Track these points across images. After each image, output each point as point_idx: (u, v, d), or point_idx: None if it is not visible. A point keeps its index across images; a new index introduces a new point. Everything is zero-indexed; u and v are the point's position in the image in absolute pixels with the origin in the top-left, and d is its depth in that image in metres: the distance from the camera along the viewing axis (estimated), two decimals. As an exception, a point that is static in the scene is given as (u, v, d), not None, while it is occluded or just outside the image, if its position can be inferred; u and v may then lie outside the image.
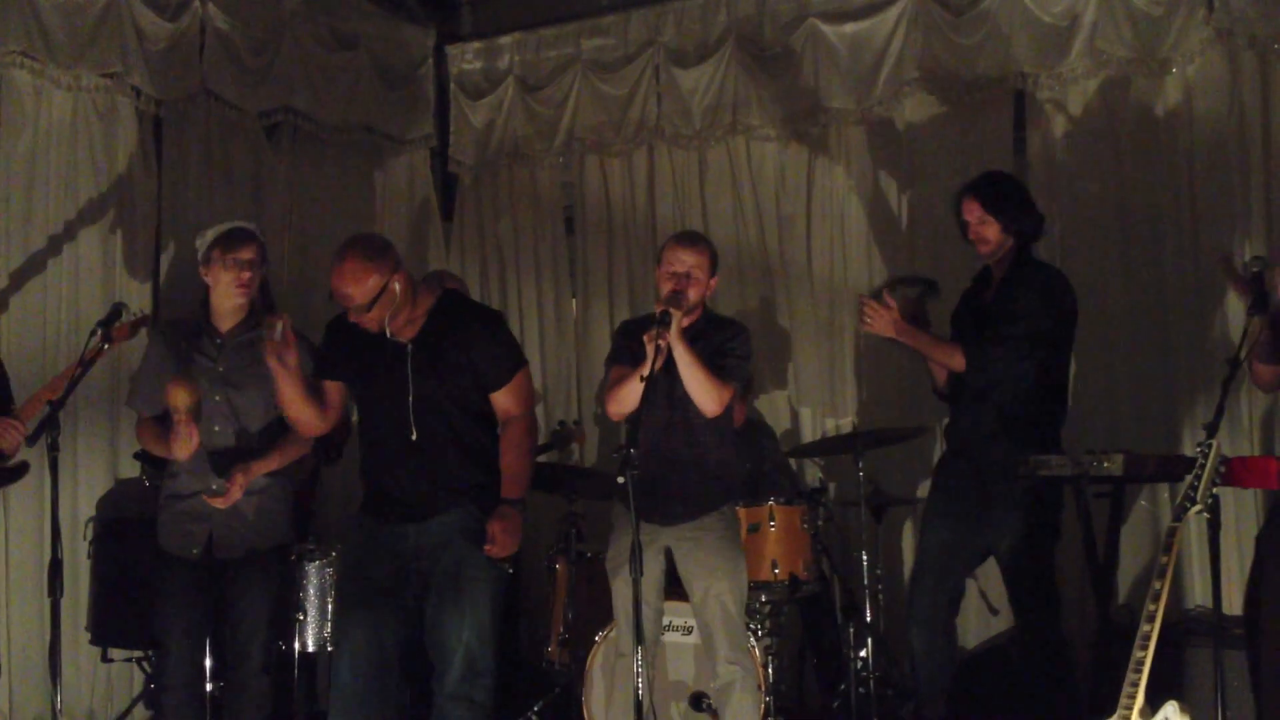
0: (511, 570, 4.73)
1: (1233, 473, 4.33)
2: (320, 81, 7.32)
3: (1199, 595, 5.91)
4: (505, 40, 8.00)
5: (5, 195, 5.96)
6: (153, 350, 5.09)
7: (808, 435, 7.01)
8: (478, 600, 4.62)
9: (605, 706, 5.33)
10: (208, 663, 4.91)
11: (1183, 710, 4.03)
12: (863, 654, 5.87)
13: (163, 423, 4.91)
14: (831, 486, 6.79)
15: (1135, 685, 4.01)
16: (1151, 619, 4.05)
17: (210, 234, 4.92)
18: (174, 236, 6.51)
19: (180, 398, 4.71)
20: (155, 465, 5.42)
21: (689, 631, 5.35)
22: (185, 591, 4.88)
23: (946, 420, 5.48)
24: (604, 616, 5.29)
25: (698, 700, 5.38)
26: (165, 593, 4.92)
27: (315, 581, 5.59)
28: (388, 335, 4.64)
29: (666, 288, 4.80)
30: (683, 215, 7.40)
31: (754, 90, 7.18)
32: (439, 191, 8.19)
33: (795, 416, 7.12)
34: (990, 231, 5.23)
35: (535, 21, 7.94)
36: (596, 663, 5.55)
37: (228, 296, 4.95)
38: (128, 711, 6.04)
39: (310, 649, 5.59)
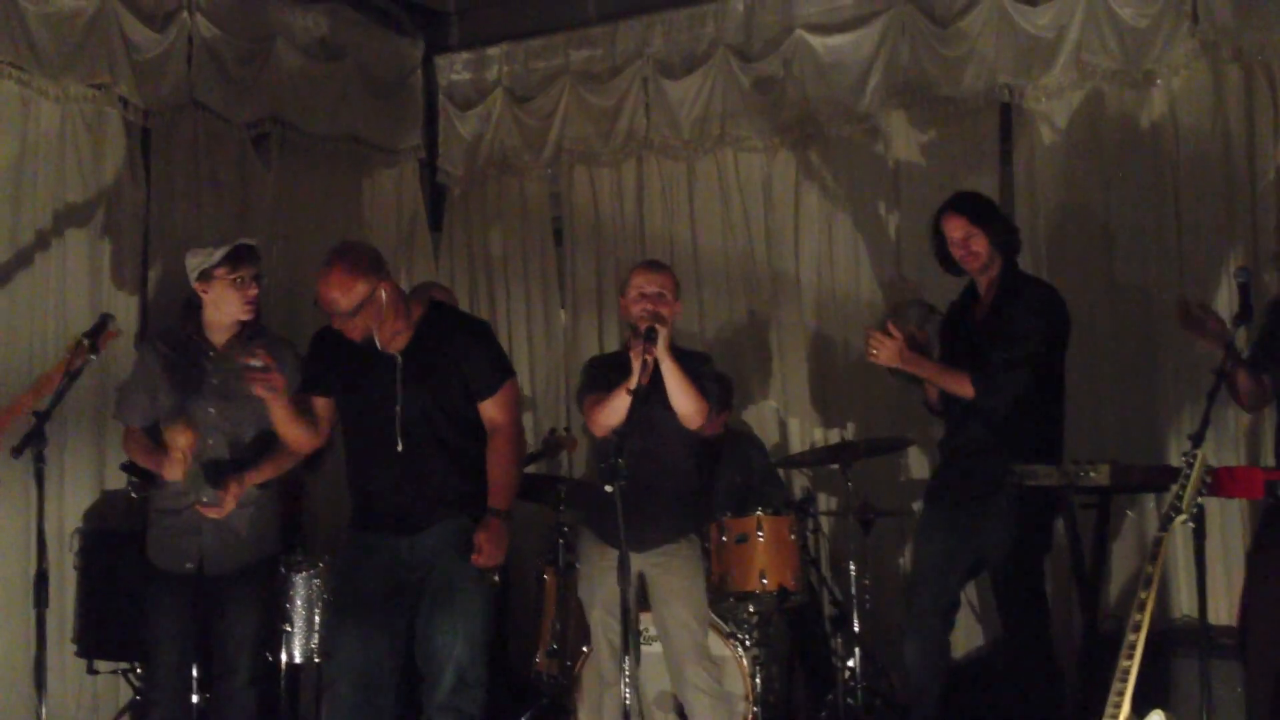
0: (497, 580, 4.74)
1: (1218, 483, 4.34)
2: (308, 92, 7.31)
3: (1185, 605, 5.92)
4: (494, 51, 8.01)
5: (-8, 206, 5.95)
6: (142, 361, 5.09)
7: (796, 446, 7.01)
8: (469, 612, 4.63)
9: (595, 717, 5.32)
10: (195, 675, 4.90)
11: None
12: (850, 664, 5.88)
13: (151, 434, 4.91)
14: (820, 497, 6.80)
15: (1121, 695, 4.02)
16: (1137, 628, 4.06)
17: (217, 253, 4.90)
18: (162, 247, 6.49)
19: (180, 440, 4.73)
20: (142, 477, 5.40)
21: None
22: (174, 605, 4.87)
23: (942, 434, 5.47)
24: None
25: (683, 709, 5.38)
26: (154, 606, 4.92)
27: (303, 593, 5.57)
28: (377, 347, 4.65)
29: (639, 308, 4.87)
30: (671, 227, 7.41)
31: (742, 102, 7.19)
32: (427, 202, 8.18)
33: (783, 427, 7.13)
34: (979, 245, 5.23)
35: (523, 32, 7.94)
36: (584, 674, 5.55)
37: (232, 313, 4.94)
38: (114, 723, 6.03)
39: (297, 660, 5.58)
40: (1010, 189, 6.56)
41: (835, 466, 6.13)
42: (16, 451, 4.63)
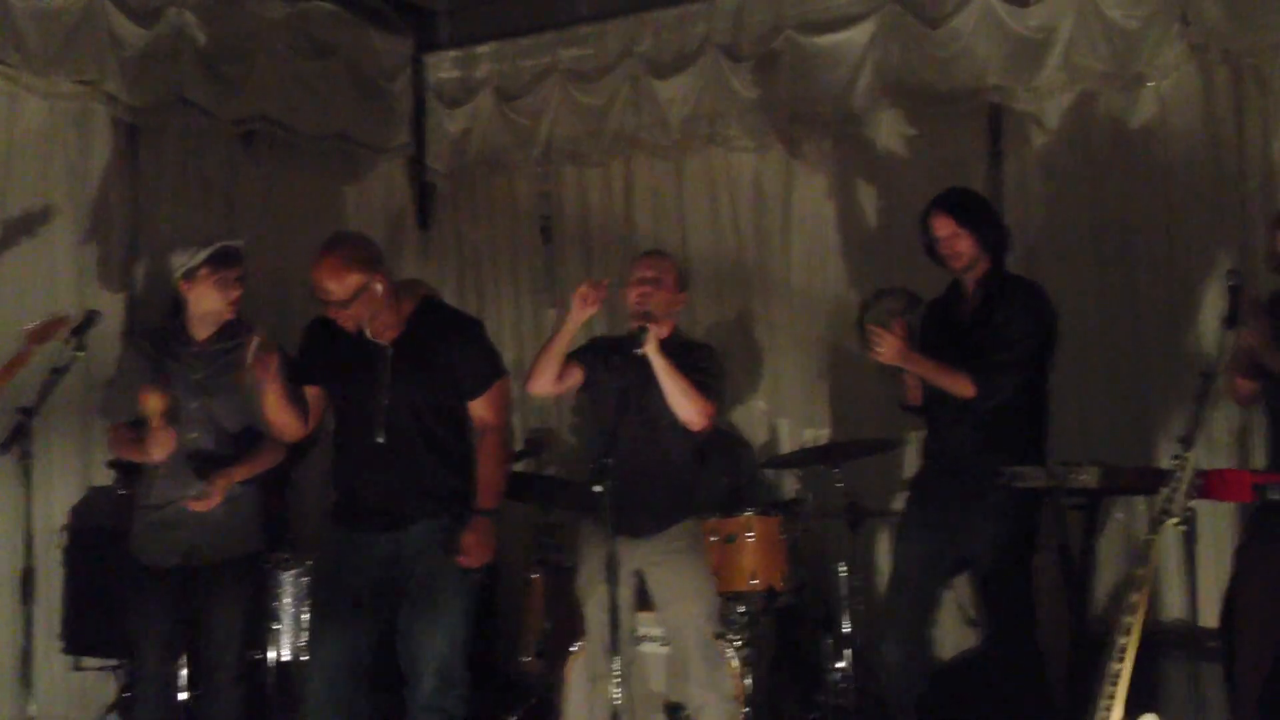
0: (483, 579, 4.73)
1: (1208, 485, 4.34)
2: (296, 90, 7.30)
3: (1175, 608, 5.92)
4: (483, 49, 8.00)
5: (-21, 202, 5.93)
6: (126, 358, 5.07)
7: (785, 446, 7.01)
8: (452, 611, 4.62)
9: (583, 717, 5.31)
10: (182, 672, 4.89)
11: (1159, 722, 4.04)
12: (839, 665, 5.87)
13: (135, 428, 4.90)
14: (810, 498, 6.79)
15: (1111, 697, 4.01)
16: (1128, 631, 4.05)
17: (202, 254, 4.88)
18: (148, 244, 6.48)
19: (153, 404, 4.71)
20: (128, 473, 5.39)
21: (664, 642, 5.33)
22: (159, 601, 4.85)
23: (925, 434, 5.46)
24: (580, 627, 5.27)
25: (674, 711, 5.37)
26: (139, 602, 4.89)
27: (291, 590, 5.57)
28: (368, 336, 4.64)
29: (634, 293, 4.85)
30: (660, 226, 7.40)
31: (731, 101, 7.18)
32: (415, 200, 8.18)
33: (773, 427, 7.12)
34: (964, 245, 5.22)
35: (513, 31, 7.93)
36: (572, 674, 5.53)
37: (215, 312, 4.92)
38: (100, 721, 6.01)
39: (285, 658, 5.57)
40: (1000, 190, 6.56)
41: (825, 467, 6.12)
42: (2, 448, 4.62)
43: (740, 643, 5.57)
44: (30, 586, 4.65)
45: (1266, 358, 4.54)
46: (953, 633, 6.37)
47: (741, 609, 5.71)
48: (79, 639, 5.83)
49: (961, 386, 5.06)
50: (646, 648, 5.41)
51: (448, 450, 4.75)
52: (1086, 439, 6.08)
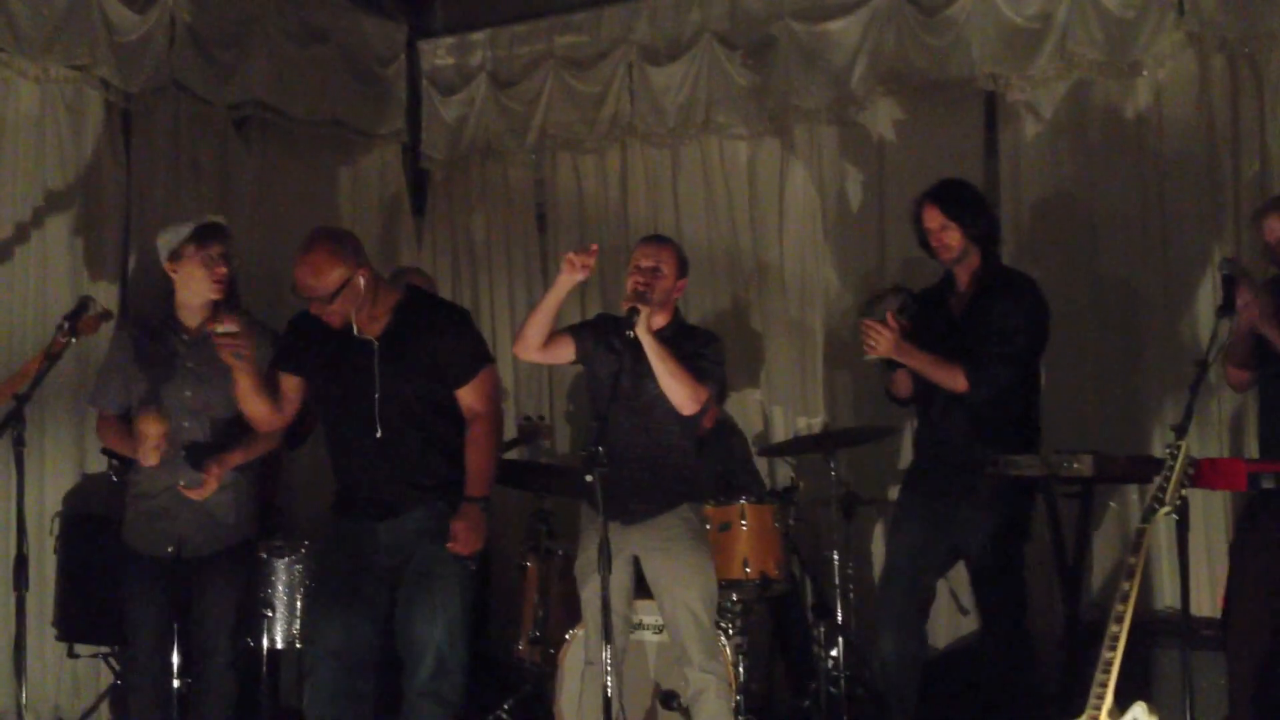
0: (474, 567, 4.72)
1: (1201, 474, 4.34)
2: (290, 75, 7.27)
3: (1168, 596, 5.94)
4: (477, 36, 7.98)
5: (-29, 188, 5.92)
6: (117, 346, 5.05)
7: (779, 435, 7.01)
8: (448, 598, 4.63)
9: (576, 705, 5.31)
10: (175, 659, 4.89)
11: (1151, 711, 4.04)
12: (833, 653, 5.88)
13: (125, 420, 4.89)
14: (803, 486, 6.79)
15: (1104, 686, 4.02)
16: (1120, 620, 4.06)
17: (184, 230, 4.87)
18: (142, 230, 6.46)
19: (153, 430, 4.70)
20: (123, 460, 5.38)
21: (659, 630, 5.33)
22: (152, 588, 4.85)
23: (916, 424, 5.46)
24: (575, 614, 5.28)
25: (668, 699, 5.37)
26: (132, 590, 4.89)
27: (284, 578, 5.55)
28: (354, 332, 4.63)
29: (632, 281, 4.81)
30: (655, 214, 7.40)
31: (727, 89, 7.17)
32: (410, 187, 8.16)
33: (766, 416, 7.13)
34: (952, 238, 5.21)
35: (508, 17, 7.91)
36: (567, 661, 5.54)
37: (201, 292, 4.89)
38: (94, 708, 6.00)
39: (279, 646, 5.56)
40: (995, 178, 6.57)
41: (819, 455, 6.12)
42: (-5, 433, 4.62)
43: (733, 631, 5.57)
44: (23, 573, 4.63)
45: (1266, 330, 4.54)
46: (946, 622, 6.39)
47: (735, 597, 5.71)
48: (72, 626, 5.82)
49: (955, 380, 5.06)
50: (643, 635, 5.41)
51: (440, 439, 4.75)
52: (1080, 427, 6.09)
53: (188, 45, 6.68)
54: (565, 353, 4.97)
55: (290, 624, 5.53)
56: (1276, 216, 4.73)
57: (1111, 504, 6.14)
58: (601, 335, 4.94)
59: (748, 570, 5.67)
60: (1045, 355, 5.35)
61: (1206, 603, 5.44)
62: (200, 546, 4.87)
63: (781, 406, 7.09)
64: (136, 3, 6.44)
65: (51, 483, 6.06)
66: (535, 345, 4.85)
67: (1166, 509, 4.17)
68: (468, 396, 4.75)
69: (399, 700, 4.72)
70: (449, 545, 4.57)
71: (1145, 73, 6.27)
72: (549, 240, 7.83)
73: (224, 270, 4.89)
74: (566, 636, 5.57)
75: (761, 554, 5.72)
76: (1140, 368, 6.22)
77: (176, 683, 4.90)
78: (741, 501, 5.74)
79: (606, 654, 4.39)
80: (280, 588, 5.54)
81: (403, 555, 4.68)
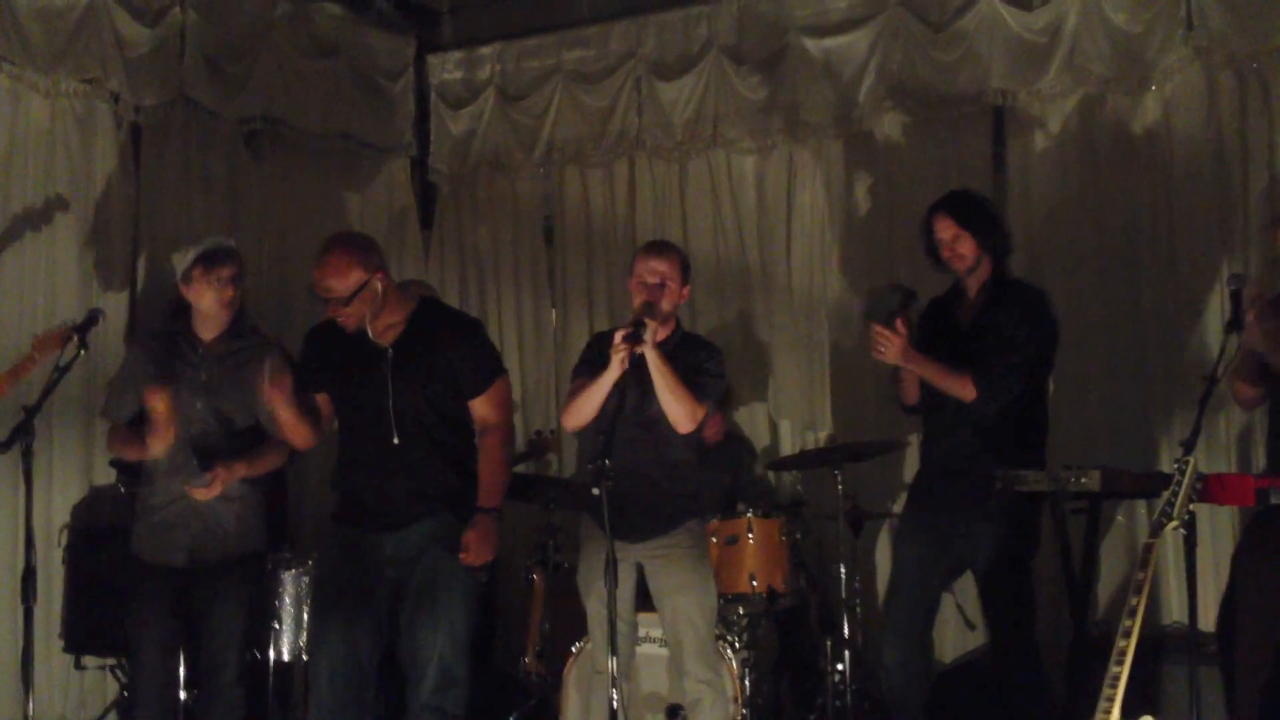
0: (486, 579, 4.72)
1: (1209, 489, 4.34)
2: (300, 89, 7.30)
3: (1175, 611, 5.93)
4: (486, 50, 8.00)
5: (-19, 200, 5.93)
6: (130, 359, 5.08)
7: (786, 448, 7.01)
8: (453, 610, 4.62)
9: (581, 718, 5.31)
10: (181, 672, 4.89)
11: (1158, 726, 4.04)
12: (839, 667, 5.87)
13: (134, 426, 4.90)
14: (810, 500, 6.79)
15: (1111, 700, 4.01)
16: (1128, 634, 4.05)
17: (191, 253, 4.89)
18: (151, 244, 6.49)
19: (159, 403, 4.71)
20: (131, 473, 5.39)
21: (664, 643, 5.33)
22: (159, 600, 4.85)
23: (922, 437, 5.45)
24: (580, 628, 5.27)
25: (674, 711, 5.36)
26: (139, 601, 4.89)
27: (291, 590, 5.57)
28: (369, 337, 4.64)
29: (639, 299, 4.76)
30: (663, 227, 7.39)
31: (734, 103, 7.19)
32: (418, 200, 8.18)
33: (774, 429, 7.12)
34: (966, 247, 5.20)
35: (516, 32, 7.93)
36: (572, 674, 5.53)
37: (211, 313, 4.93)
38: (100, 719, 6.00)
39: (285, 658, 5.57)
40: (1003, 193, 6.57)
41: (826, 469, 6.11)
42: (5, 446, 4.62)
43: (740, 644, 5.56)
44: (31, 585, 4.64)
45: (1269, 353, 4.53)
46: (953, 636, 6.38)
47: (741, 611, 5.71)
48: (79, 637, 5.84)
49: (963, 388, 5.05)
50: (647, 648, 5.39)
51: (450, 450, 4.75)
52: (1088, 442, 6.08)
53: (197, 59, 6.70)
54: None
55: (297, 636, 5.54)
56: None
57: (1119, 519, 6.12)
58: (601, 356, 4.86)
59: (754, 584, 5.67)
60: (1053, 369, 5.34)
61: (1214, 618, 5.42)
62: (209, 558, 4.87)
63: (789, 420, 7.09)
64: (146, 16, 6.46)
65: (60, 494, 6.06)
66: (587, 420, 4.81)
67: (1174, 524, 4.16)
68: (481, 407, 4.76)
69: (404, 713, 4.71)
70: (461, 556, 4.57)
71: (1154, 87, 6.27)
72: (556, 254, 7.84)
73: (231, 293, 4.91)
74: (572, 650, 5.56)
75: (768, 568, 5.72)
76: (1148, 383, 6.22)
77: (183, 694, 4.91)
78: (748, 515, 5.74)
79: (613, 665, 4.39)
80: (287, 600, 5.55)
81: (408, 567, 4.68)
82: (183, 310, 5.04)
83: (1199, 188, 6.14)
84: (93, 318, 4.97)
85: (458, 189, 8.15)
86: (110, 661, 5.94)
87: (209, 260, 4.88)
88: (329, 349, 4.77)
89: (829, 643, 5.94)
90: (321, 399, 4.88)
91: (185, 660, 4.92)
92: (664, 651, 5.35)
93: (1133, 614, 4.07)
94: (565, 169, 7.77)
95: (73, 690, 6.09)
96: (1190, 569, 4.35)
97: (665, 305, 4.76)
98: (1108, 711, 4.01)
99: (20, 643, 4.74)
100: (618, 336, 4.53)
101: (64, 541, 5.91)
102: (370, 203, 7.90)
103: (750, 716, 5.51)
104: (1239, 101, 6.07)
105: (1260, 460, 5.60)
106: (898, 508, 6.43)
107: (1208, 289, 6.06)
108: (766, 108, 7.12)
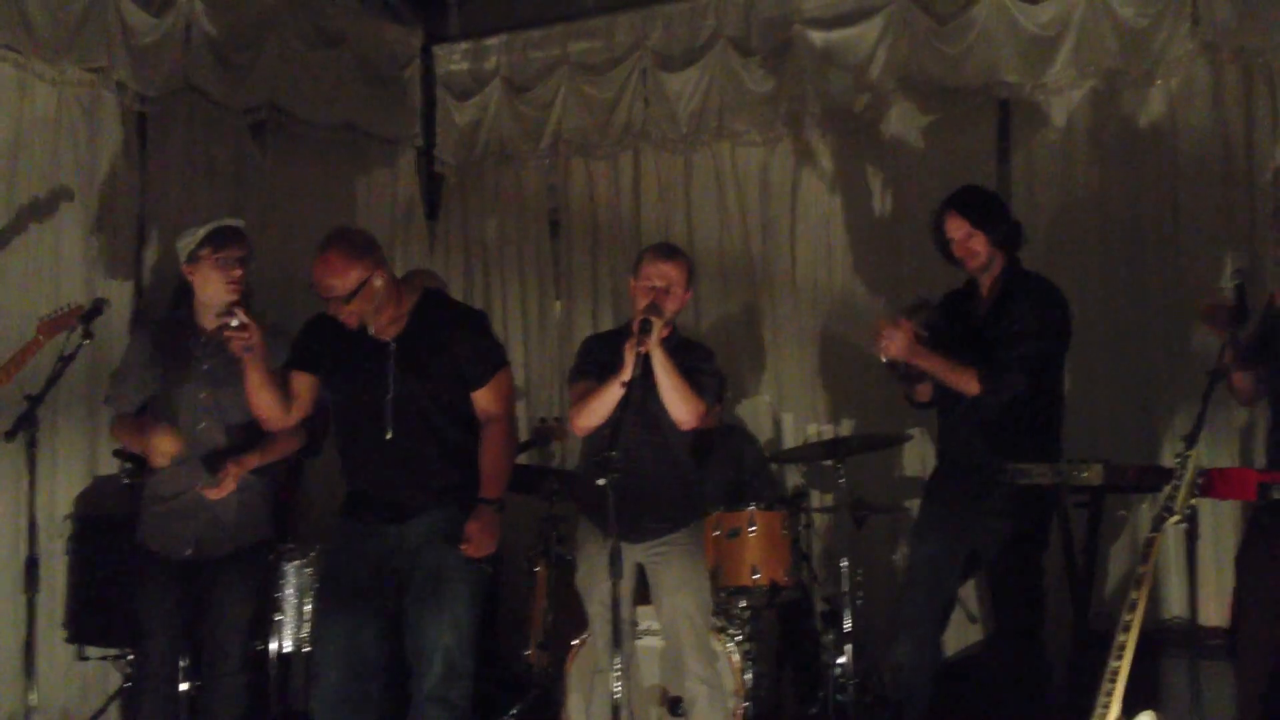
0: (490, 571, 4.73)
1: (1211, 484, 4.33)
2: (305, 80, 7.30)
3: (1176, 605, 5.91)
4: (492, 41, 8.00)
5: (-12, 188, 5.94)
6: (134, 347, 5.07)
7: (790, 441, 7.01)
8: (457, 602, 4.62)
9: (584, 711, 5.32)
10: (185, 662, 4.90)
11: (1158, 720, 4.04)
12: (841, 661, 5.87)
13: (140, 417, 4.90)
14: (813, 493, 6.79)
15: (1111, 695, 4.01)
16: (1128, 629, 4.05)
17: (200, 232, 4.87)
18: (156, 233, 6.50)
19: (164, 446, 4.72)
20: (135, 463, 5.39)
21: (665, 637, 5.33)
22: (164, 590, 4.85)
23: (938, 432, 5.44)
24: (583, 620, 5.28)
25: (675, 704, 5.37)
26: (144, 591, 4.89)
27: (294, 582, 5.58)
28: (370, 333, 4.64)
29: (644, 301, 4.76)
30: (668, 219, 7.41)
31: (740, 95, 7.19)
32: (423, 191, 8.19)
33: (777, 422, 7.12)
34: (979, 244, 5.20)
35: (522, 23, 7.93)
36: (574, 666, 5.54)
37: (217, 295, 4.86)
38: (103, 710, 6.00)
39: (288, 649, 5.58)
40: (1008, 185, 6.56)
41: (829, 462, 6.11)
42: (9, 435, 4.63)
43: (742, 637, 5.57)
44: (34, 575, 4.65)
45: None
46: (955, 630, 6.36)
47: (743, 604, 5.71)
48: (83, 628, 5.84)
49: (968, 383, 5.05)
50: (647, 641, 5.40)
51: (453, 442, 4.75)
52: (1091, 436, 6.07)
53: (203, 49, 6.71)
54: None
55: (300, 627, 5.55)
56: None
57: (1121, 513, 6.12)
58: (612, 353, 4.86)
59: (756, 577, 5.67)
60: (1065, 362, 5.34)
61: (1215, 612, 5.42)
62: (215, 549, 4.87)
63: (792, 413, 7.09)
64: (153, 6, 6.47)
65: (63, 484, 6.07)
66: (601, 422, 4.79)
67: (1176, 518, 4.15)
68: (484, 399, 4.75)
69: (408, 705, 4.72)
70: (462, 547, 4.57)
71: (1159, 81, 6.26)
72: (561, 245, 7.85)
73: (239, 273, 4.88)
74: (574, 643, 5.57)
75: (770, 561, 5.72)
76: (1152, 377, 6.21)
77: (186, 685, 4.92)
78: (751, 508, 5.74)
79: (615, 660, 4.39)
80: (290, 591, 5.56)
81: (412, 559, 4.67)
82: (185, 298, 5.03)
83: (1204, 181, 6.13)
84: (98, 307, 4.99)
85: (463, 180, 8.15)
86: (113, 652, 5.94)
87: (217, 241, 4.86)
88: (329, 338, 4.76)
89: (831, 636, 5.93)
90: (305, 382, 4.84)
91: (189, 650, 4.92)
92: (665, 644, 5.36)
93: (1134, 608, 4.07)
94: (571, 160, 7.77)
95: (75, 681, 6.09)
96: (1191, 564, 4.36)
97: (669, 309, 4.77)
98: (1108, 706, 4.01)
99: (23, 633, 4.75)
100: (629, 343, 4.56)
101: (67, 532, 5.92)
102: (376, 193, 7.91)
103: (751, 709, 5.51)
104: (1245, 95, 6.06)
105: (1262, 454, 5.58)
106: (900, 501, 6.45)
107: (1212, 282, 6.02)
108: (772, 100, 7.11)
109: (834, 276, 7.01)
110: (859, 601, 5.97)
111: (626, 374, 4.55)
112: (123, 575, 5.16)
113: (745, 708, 5.43)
